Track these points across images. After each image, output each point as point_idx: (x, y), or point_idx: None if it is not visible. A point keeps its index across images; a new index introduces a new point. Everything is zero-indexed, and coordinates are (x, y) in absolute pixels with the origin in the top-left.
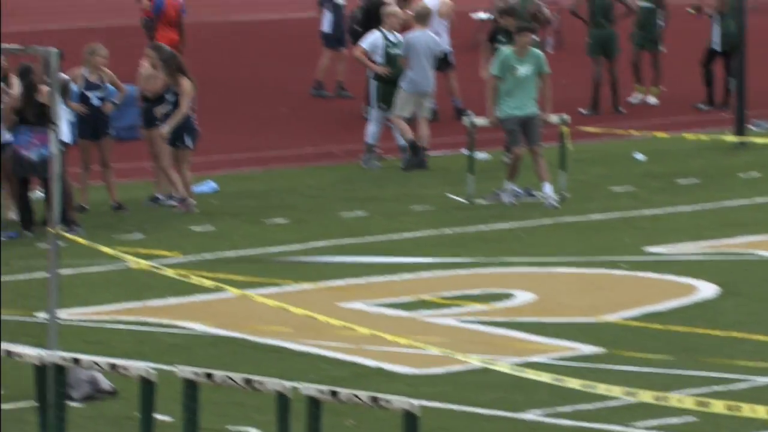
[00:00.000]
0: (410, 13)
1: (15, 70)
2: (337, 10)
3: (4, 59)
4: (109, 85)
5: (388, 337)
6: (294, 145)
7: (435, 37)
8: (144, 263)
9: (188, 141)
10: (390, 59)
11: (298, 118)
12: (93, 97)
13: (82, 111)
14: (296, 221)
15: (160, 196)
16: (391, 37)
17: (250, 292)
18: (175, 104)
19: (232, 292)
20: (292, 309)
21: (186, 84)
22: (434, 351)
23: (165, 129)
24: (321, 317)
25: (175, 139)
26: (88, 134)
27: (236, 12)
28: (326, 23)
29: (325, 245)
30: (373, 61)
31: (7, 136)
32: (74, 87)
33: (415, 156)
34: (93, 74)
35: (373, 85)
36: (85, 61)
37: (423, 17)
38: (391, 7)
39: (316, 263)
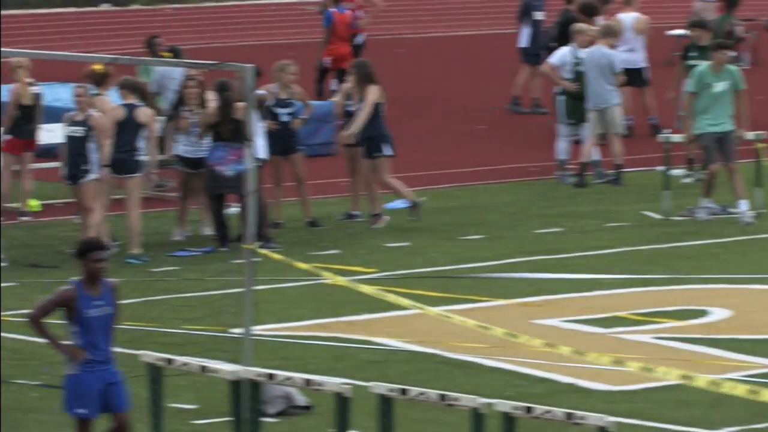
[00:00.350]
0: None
1: (211, 85)
2: (535, 25)
3: (200, 75)
4: (298, 102)
5: (590, 356)
6: (490, 161)
7: (612, 54)
8: (341, 279)
9: (386, 149)
10: (578, 75)
11: (495, 134)
12: (282, 113)
13: (272, 127)
14: (492, 237)
15: (355, 213)
16: (579, 54)
17: (448, 313)
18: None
19: (430, 312)
20: (493, 329)
21: (372, 90)
22: (634, 368)
23: (351, 130)
24: (524, 337)
25: (372, 150)
26: (278, 150)
27: (432, 27)
28: (524, 38)
29: (520, 261)
30: (562, 77)
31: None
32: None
33: (581, 176)
34: (283, 91)
35: (561, 100)
36: (275, 78)
37: (605, 33)
38: (580, 23)
39: (510, 279)
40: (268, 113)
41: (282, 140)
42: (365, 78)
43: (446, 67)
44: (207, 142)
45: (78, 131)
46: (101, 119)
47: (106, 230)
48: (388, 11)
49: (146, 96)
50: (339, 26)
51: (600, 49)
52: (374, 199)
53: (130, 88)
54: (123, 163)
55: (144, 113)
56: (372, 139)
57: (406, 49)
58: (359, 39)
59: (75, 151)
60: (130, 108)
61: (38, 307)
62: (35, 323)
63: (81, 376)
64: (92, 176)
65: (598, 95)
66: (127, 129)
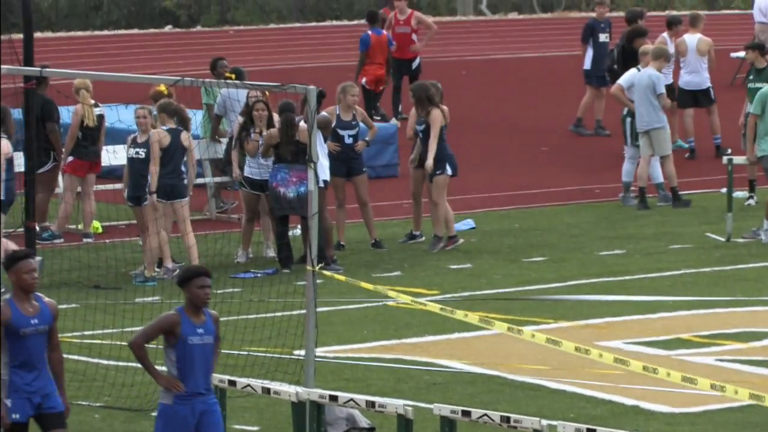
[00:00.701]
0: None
1: (275, 107)
2: (599, 48)
3: (264, 97)
4: (361, 124)
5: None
6: (553, 183)
7: (655, 76)
8: (406, 298)
9: (449, 169)
10: None
11: (558, 156)
12: (345, 135)
13: (335, 149)
14: (555, 259)
15: (416, 233)
16: None
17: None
18: (424, 134)
19: (499, 328)
20: (564, 343)
21: (436, 113)
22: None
23: (428, 163)
24: (594, 352)
25: (434, 170)
26: (341, 172)
27: (497, 49)
28: (588, 61)
29: (584, 283)
30: (630, 99)
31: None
32: None
33: (641, 198)
34: (345, 113)
35: (627, 122)
36: (338, 100)
37: (653, 54)
38: (646, 46)
39: (574, 301)
40: (332, 135)
41: (345, 162)
42: (425, 101)
43: (509, 89)
44: (270, 163)
45: (140, 153)
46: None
47: (168, 252)
48: (453, 33)
49: (184, 119)
50: (375, 48)
51: (647, 71)
52: (448, 221)
53: (169, 112)
54: (172, 188)
55: (186, 137)
56: (437, 160)
57: (470, 71)
58: (415, 62)
59: (137, 172)
60: (175, 132)
61: (141, 333)
62: (136, 350)
63: (174, 407)
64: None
65: (642, 117)
66: (174, 153)
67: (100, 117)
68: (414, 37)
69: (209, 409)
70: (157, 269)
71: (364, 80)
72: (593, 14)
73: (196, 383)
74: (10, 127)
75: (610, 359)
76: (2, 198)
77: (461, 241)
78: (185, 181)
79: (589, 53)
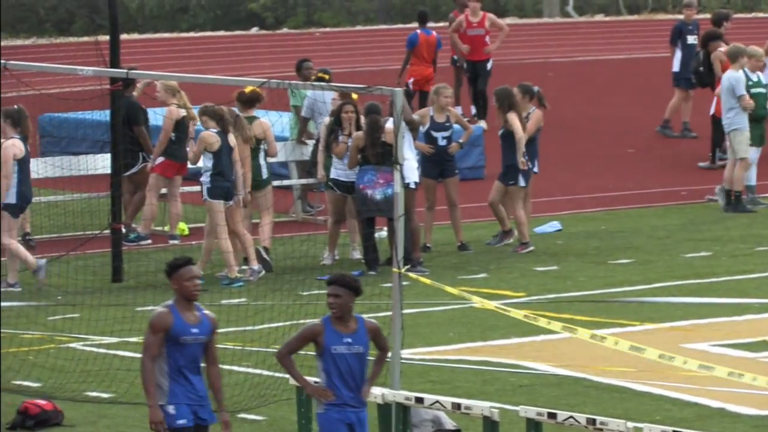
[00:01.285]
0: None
1: (361, 109)
2: (687, 49)
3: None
4: (455, 125)
5: (747, 377)
6: (639, 185)
7: (734, 77)
8: (489, 303)
9: (521, 180)
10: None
11: (644, 157)
12: (439, 137)
13: (428, 151)
14: (641, 262)
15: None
16: (752, 77)
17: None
18: (503, 140)
19: (582, 335)
20: (647, 350)
21: (514, 117)
22: None
23: (521, 164)
24: (679, 359)
25: (508, 179)
26: (433, 174)
27: (583, 52)
28: (676, 63)
29: (670, 286)
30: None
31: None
32: (420, 127)
33: (729, 203)
34: (439, 114)
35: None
36: (431, 101)
37: (730, 56)
38: (752, 47)
39: (660, 304)
40: (424, 137)
41: (438, 164)
42: (506, 106)
43: (596, 91)
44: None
45: None
46: (241, 145)
47: (252, 254)
48: (539, 35)
49: (225, 121)
50: (423, 48)
51: (726, 74)
52: (519, 226)
53: (210, 114)
54: (227, 189)
55: (233, 138)
56: (509, 167)
57: (557, 73)
58: (488, 64)
59: None
60: (222, 134)
61: (285, 344)
62: (282, 360)
63: (328, 414)
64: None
65: (724, 119)
66: (224, 155)
67: (189, 119)
68: (487, 39)
69: (357, 421)
70: (243, 268)
71: (411, 80)
72: (680, 16)
73: (345, 392)
74: (26, 128)
75: (695, 366)
76: (14, 200)
77: (532, 248)
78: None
79: (678, 55)
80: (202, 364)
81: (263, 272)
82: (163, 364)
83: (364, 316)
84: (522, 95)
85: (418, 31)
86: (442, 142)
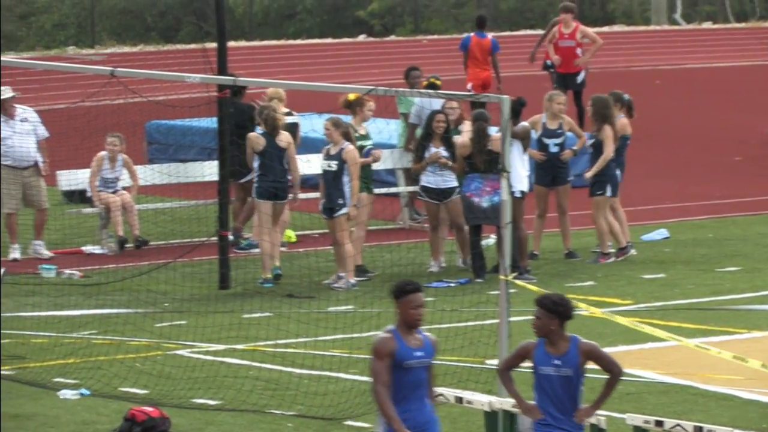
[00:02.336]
0: None
1: (469, 116)
2: None
3: (458, 106)
4: (568, 133)
5: None
6: (747, 193)
7: None
8: (596, 311)
9: (609, 190)
10: None
11: (752, 165)
12: (551, 143)
13: (540, 158)
14: (748, 269)
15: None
16: None
17: (706, 344)
18: (594, 150)
19: (686, 344)
20: (750, 361)
21: (608, 131)
22: None
23: (588, 174)
24: None
25: (595, 189)
26: (546, 181)
27: (689, 59)
28: None
29: None
30: None
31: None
32: (533, 134)
33: None
34: (551, 121)
35: None
36: (545, 108)
37: None
38: None
39: (767, 312)
40: (536, 144)
41: (550, 171)
42: (601, 117)
43: (703, 98)
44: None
45: (332, 165)
46: (352, 153)
47: (351, 265)
48: (647, 43)
49: (269, 123)
50: (475, 50)
51: None
52: (615, 234)
53: (257, 115)
54: (277, 190)
55: (284, 139)
56: (597, 178)
57: (664, 80)
58: (579, 77)
59: (330, 184)
60: (268, 135)
61: (504, 359)
62: (500, 375)
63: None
64: (344, 210)
65: None
66: (269, 155)
67: (294, 125)
68: (579, 51)
69: None
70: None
71: (470, 84)
72: None
73: (552, 412)
74: None
75: None
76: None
77: (612, 259)
78: (288, 184)
79: None
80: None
81: (356, 287)
82: (390, 390)
83: (586, 340)
84: (613, 103)
85: (472, 34)
86: (553, 149)
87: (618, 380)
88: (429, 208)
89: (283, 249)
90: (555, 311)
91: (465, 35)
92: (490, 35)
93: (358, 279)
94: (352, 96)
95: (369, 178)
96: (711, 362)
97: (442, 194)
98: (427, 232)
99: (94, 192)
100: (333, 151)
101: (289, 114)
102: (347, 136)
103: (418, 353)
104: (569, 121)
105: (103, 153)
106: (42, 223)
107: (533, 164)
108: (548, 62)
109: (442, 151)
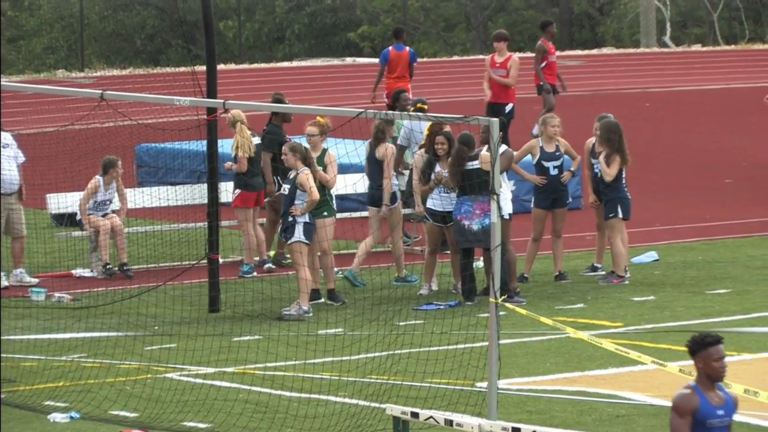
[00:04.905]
0: None
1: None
2: None
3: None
4: (564, 155)
5: None
6: (734, 215)
7: None
8: (581, 335)
9: (620, 212)
10: None
11: (741, 188)
12: (550, 166)
13: (541, 182)
14: (738, 292)
15: (598, 266)
16: None
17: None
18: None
19: (671, 370)
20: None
21: (614, 163)
22: None
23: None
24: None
25: (608, 212)
26: (546, 204)
27: (678, 82)
28: None
29: (767, 316)
30: None
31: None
32: (529, 158)
33: None
34: (548, 144)
35: None
36: (540, 132)
37: None
38: None
39: (758, 334)
40: (536, 168)
41: (551, 194)
42: (614, 144)
43: (692, 121)
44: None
45: (286, 189)
46: (303, 177)
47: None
48: (636, 65)
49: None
50: (395, 63)
51: None
52: (616, 257)
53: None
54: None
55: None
56: (610, 201)
57: (653, 103)
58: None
59: (286, 209)
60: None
61: (672, 427)
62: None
63: None
64: (295, 239)
65: None
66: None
67: (259, 147)
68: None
69: None
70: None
71: (384, 94)
72: None
73: None
74: None
75: None
76: None
77: (626, 282)
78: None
79: None
80: None
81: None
82: None
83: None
84: (621, 129)
85: (391, 47)
86: (553, 172)
87: None
88: (431, 230)
89: (271, 266)
90: (689, 349)
91: (384, 49)
92: (407, 48)
93: (330, 302)
94: (321, 119)
95: (327, 203)
96: None
97: (447, 217)
98: (417, 254)
99: (84, 215)
100: (291, 175)
101: (254, 136)
102: (305, 161)
103: (720, 411)
104: (564, 143)
105: (98, 178)
106: (21, 251)
107: (533, 187)
108: (540, 84)
109: (444, 172)
